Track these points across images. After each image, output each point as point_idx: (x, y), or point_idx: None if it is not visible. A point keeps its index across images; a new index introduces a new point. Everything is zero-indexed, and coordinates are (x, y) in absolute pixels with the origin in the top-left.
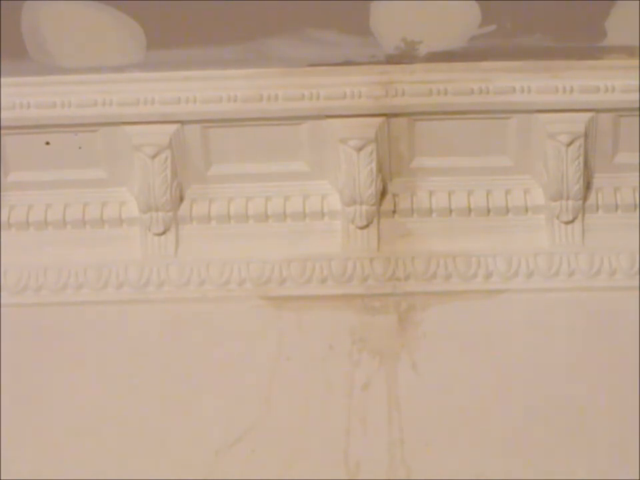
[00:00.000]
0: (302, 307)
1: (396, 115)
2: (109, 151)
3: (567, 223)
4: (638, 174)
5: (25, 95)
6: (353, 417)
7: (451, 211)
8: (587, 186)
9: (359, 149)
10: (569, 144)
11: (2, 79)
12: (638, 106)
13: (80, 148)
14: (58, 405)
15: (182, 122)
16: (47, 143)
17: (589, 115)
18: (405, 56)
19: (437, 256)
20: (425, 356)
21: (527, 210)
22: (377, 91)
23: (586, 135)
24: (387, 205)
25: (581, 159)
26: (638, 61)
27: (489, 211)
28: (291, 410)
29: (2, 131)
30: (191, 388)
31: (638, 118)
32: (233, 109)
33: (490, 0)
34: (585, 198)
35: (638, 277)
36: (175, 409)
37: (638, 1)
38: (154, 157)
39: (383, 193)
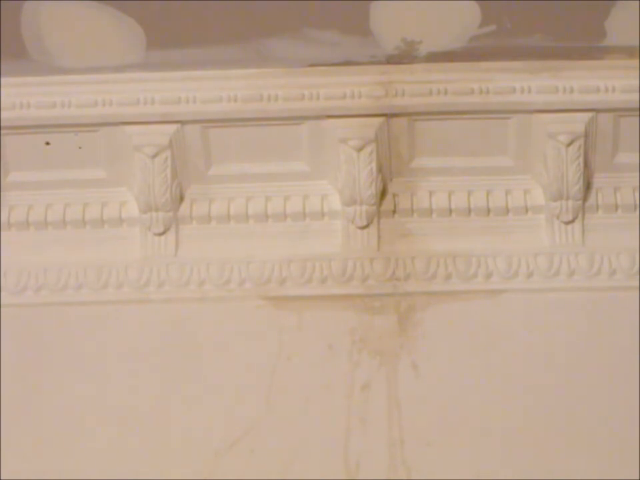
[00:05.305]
0: (302, 306)
1: (396, 115)
2: (109, 151)
3: (567, 223)
4: (638, 174)
5: (25, 95)
6: (352, 416)
7: (451, 210)
8: (587, 186)
9: (359, 149)
10: (569, 144)
11: (2, 79)
12: (638, 106)
13: (80, 148)
14: (58, 404)
15: (182, 122)
16: (47, 143)
17: (589, 114)
18: (404, 56)
19: (436, 256)
20: (425, 356)
21: (526, 210)
22: (377, 91)
23: (586, 135)
24: (387, 204)
25: (581, 159)
26: (638, 60)
27: (489, 211)
28: (291, 410)
29: (2, 131)
30: (191, 388)
31: (638, 118)
32: (233, 109)
33: (490, 0)
34: (584, 198)
35: (638, 276)
36: (174, 409)
37: (638, 1)
38: (154, 156)
39: (383, 193)
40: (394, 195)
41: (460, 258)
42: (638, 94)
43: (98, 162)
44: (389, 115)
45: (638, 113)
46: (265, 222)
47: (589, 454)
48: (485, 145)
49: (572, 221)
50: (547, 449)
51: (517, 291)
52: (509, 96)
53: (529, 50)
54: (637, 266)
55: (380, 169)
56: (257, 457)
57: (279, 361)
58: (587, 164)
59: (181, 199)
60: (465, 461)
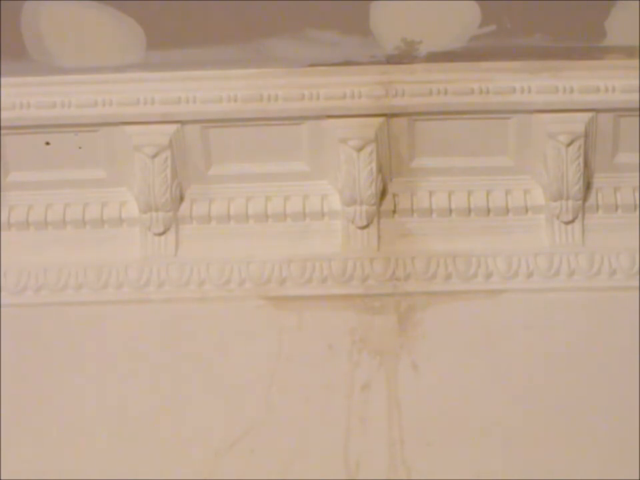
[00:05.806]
0: (302, 306)
1: (396, 115)
2: (109, 151)
3: (567, 223)
4: (638, 174)
5: (25, 95)
6: (352, 416)
7: (451, 210)
8: (587, 186)
9: (359, 149)
10: (569, 144)
11: (2, 79)
12: (638, 106)
13: (80, 148)
14: (58, 405)
15: (182, 122)
16: (47, 143)
17: (589, 114)
18: (404, 56)
19: (436, 256)
20: (425, 356)
21: (527, 210)
22: (377, 91)
23: (586, 135)
24: (387, 204)
25: (581, 159)
26: (638, 60)
27: (489, 211)
28: (291, 410)
29: (2, 131)
30: (191, 388)
31: (638, 118)
32: (233, 109)
33: (490, 0)
34: (584, 198)
35: (638, 276)
36: (174, 409)
37: (638, 1)
38: (154, 156)
39: (383, 193)
40: (394, 195)
41: (460, 258)
42: (638, 94)
43: (98, 162)
44: (389, 115)
45: (638, 112)
46: (264, 222)
47: (589, 454)
48: (485, 145)
49: (572, 221)
50: (547, 449)
51: (517, 291)
52: (509, 96)
53: (529, 50)
54: (637, 266)
55: (380, 169)
56: (257, 457)
57: (278, 361)
58: (587, 164)
59: (181, 198)
60: (465, 461)
